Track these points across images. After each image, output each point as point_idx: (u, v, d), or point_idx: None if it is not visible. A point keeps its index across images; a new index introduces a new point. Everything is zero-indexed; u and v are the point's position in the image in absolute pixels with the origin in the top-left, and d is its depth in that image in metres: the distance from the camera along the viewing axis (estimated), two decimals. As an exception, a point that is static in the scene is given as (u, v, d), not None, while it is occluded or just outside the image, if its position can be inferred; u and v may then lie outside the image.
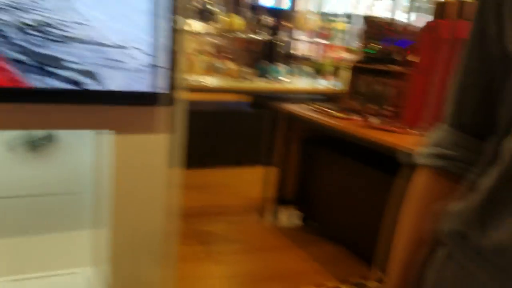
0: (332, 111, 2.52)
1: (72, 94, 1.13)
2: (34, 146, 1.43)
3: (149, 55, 1.17)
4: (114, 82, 1.15)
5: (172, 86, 1.22)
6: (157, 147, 1.33)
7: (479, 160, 0.56)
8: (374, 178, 2.31)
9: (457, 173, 0.59)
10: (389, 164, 1.88)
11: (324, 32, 4.75)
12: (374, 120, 2.26)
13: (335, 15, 5.23)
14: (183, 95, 1.32)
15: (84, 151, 1.48)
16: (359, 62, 2.74)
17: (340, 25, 5.49)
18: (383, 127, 2.18)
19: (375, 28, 2.68)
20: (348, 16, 5.07)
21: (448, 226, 0.55)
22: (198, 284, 2.14)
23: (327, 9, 5.12)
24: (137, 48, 1.15)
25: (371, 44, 2.65)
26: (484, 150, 0.55)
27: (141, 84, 1.17)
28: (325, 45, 4.74)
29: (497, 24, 0.53)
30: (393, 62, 2.47)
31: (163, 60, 1.18)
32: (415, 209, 0.64)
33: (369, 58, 2.63)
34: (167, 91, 1.21)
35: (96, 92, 1.13)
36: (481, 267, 0.49)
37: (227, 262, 2.37)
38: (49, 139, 1.45)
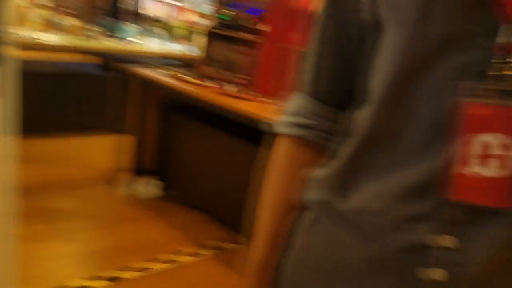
0: (188, 77, 2.48)
1: None
2: None
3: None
4: None
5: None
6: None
7: (338, 129, 0.58)
8: (236, 146, 2.37)
9: (316, 142, 0.60)
10: (250, 132, 1.95)
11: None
12: (230, 88, 2.30)
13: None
14: (13, 53, 1.13)
15: None
16: (213, 28, 2.72)
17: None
18: (238, 95, 2.23)
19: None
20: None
21: (312, 192, 0.58)
22: (47, 266, 1.95)
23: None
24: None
25: (224, 10, 2.65)
26: (343, 119, 0.58)
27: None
28: (178, 7, 4.58)
29: None
30: (245, 29, 2.51)
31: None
32: (278, 178, 0.64)
33: (222, 24, 2.64)
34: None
35: None
36: (345, 230, 0.52)
37: (78, 240, 2.20)
38: None
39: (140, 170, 2.85)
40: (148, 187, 2.75)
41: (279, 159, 0.64)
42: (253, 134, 1.74)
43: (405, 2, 0.45)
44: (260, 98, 2.23)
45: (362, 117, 0.52)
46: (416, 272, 0.47)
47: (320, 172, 0.57)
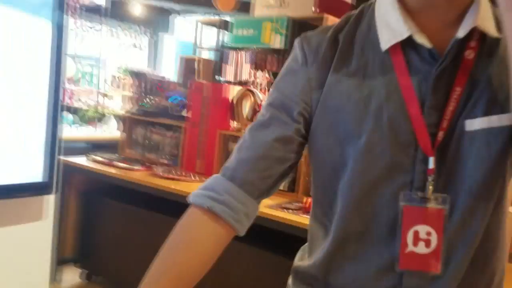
0: (116, 162, 2.60)
1: None
2: None
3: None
4: None
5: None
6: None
7: (246, 212, 0.68)
8: (158, 223, 2.49)
9: (221, 216, 0.67)
10: (173, 208, 2.12)
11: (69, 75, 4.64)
12: (158, 169, 2.48)
13: (80, 57, 5.20)
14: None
15: None
16: (134, 113, 2.92)
17: (88, 68, 5.51)
18: (167, 175, 2.42)
19: (148, 84, 2.93)
20: (96, 59, 5.13)
21: (300, 277, 0.75)
22: None
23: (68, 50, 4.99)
24: None
25: (146, 98, 2.88)
26: (253, 205, 0.69)
27: None
28: (77, 90, 4.65)
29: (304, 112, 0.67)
30: (168, 116, 2.76)
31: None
32: (178, 243, 0.67)
33: (144, 111, 2.85)
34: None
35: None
36: None
37: None
38: None
39: (61, 259, 2.77)
40: (71, 276, 2.68)
41: (184, 224, 0.68)
42: (182, 212, 1.93)
43: (360, 144, 0.63)
44: (185, 177, 2.44)
45: (334, 225, 0.67)
46: None
47: (305, 263, 0.73)
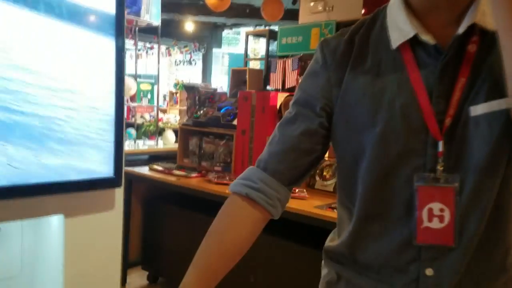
0: (174, 170, 2.79)
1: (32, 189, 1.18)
2: None
3: None
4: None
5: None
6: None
7: (279, 198, 0.78)
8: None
9: (257, 201, 0.77)
10: None
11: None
12: (212, 176, 2.63)
13: (139, 76, 5.55)
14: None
15: (22, 237, 1.44)
16: (188, 125, 3.11)
17: (145, 86, 5.85)
18: (220, 181, 2.56)
19: (201, 96, 3.12)
20: (154, 77, 5.45)
21: (330, 255, 0.84)
22: None
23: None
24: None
25: (199, 111, 3.06)
26: (286, 191, 0.79)
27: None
28: (138, 107, 4.96)
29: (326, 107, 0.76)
30: (219, 125, 2.92)
31: None
32: (220, 224, 0.78)
33: (198, 122, 3.03)
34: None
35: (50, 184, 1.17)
36: (363, 280, 0.77)
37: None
38: None
39: (128, 262, 3.00)
40: (138, 279, 2.88)
41: (225, 210, 0.79)
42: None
43: (376, 132, 0.71)
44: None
45: (356, 205, 0.75)
46: None
47: (334, 243, 0.82)
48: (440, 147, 0.69)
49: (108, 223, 1.45)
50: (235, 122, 2.86)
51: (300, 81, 0.84)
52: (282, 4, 7.17)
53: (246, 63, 7.48)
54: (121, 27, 1.36)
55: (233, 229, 0.78)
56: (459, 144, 0.69)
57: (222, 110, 2.98)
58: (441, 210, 0.70)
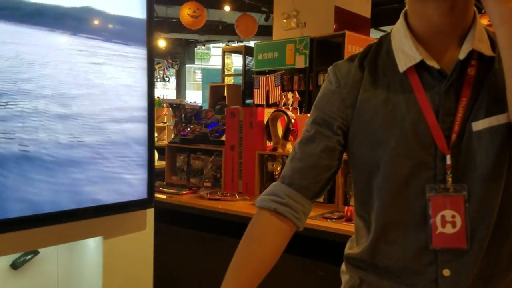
0: (163, 188, 2.81)
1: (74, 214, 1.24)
2: (17, 265, 1.35)
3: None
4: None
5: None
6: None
7: (303, 211, 0.86)
8: (207, 241, 2.67)
9: (284, 215, 0.84)
10: (221, 227, 2.28)
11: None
12: (203, 192, 2.68)
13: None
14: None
15: (63, 259, 1.48)
16: (176, 143, 3.15)
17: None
18: (213, 196, 2.61)
19: (187, 114, 3.17)
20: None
21: (352, 262, 0.91)
22: None
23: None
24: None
25: (185, 128, 3.11)
26: (308, 204, 0.87)
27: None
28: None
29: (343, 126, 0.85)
30: (207, 141, 2.98)
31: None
32: (252, 239, 0.84)
33: (185, 139, 3.08)
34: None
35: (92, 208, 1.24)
36: (386, 283, 0.85)
37: None
38: (32, 253, 1.41)
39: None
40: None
41: (255, 224, 0.86)
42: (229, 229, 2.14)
43: (389, 148, 0.80)
44: (231, 197, 2.62)
45: (372, 215, 0.84)
46: None
47: (354, 251, 0.90)
48: (448, 160, 0.78)
49: (141, 241, 1.50)
50: (223, 138, 2.92)
51: (315, 102, 0.92)
52: (255, 21, 7.34)
53: (223, 79, 7.59)
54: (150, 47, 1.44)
55: (264, 242, 0.85)
56: (465, 157, 0.78)
57: (209, 127, 3.04)
58: (453, 216, 0.79)
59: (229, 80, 7.97)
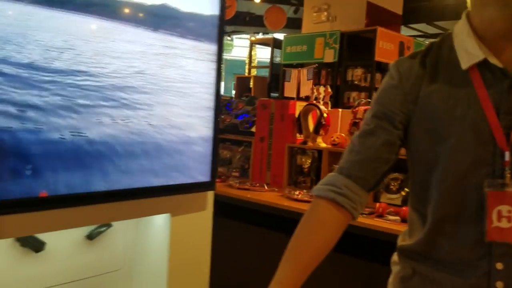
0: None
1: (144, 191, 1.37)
2: (92, 236, 1.50)
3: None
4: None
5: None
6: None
7: (360, 201, 0.88)
8: (236, 229, 2.70)
9: (343, 206, 0.86)
10: (249, 215, 2.30)
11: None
12: (233, 181, 2.71)
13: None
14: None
15: (131, 233, 1.63)
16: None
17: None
18: (242, 186, 2.64)
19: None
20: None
21: (405, 253, 0.93)
22: None
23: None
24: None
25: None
26: (365, 196, 0.89)
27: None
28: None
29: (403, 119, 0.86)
30: (237, 132, 3.00)
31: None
32: (310, 226, 0.87)
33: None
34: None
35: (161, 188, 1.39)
36: (440, 275, 0.86)
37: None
38: (106, 226, 1.54)
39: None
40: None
41: (313, 212, 0.88)
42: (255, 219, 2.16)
43: (449, 144, 0.82)
44: (259, 187, 2.65)
45: (428, 209, 0.86)
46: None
47: (408, 243, 0.91)
48: (507, 156, 0.80)
49: (202, 220, 1.65)
50: (253, 129, 2.94)
51: (375, 95, 0.94)
52: (285, 13, 7.30)
53: (249, 71, 7.61)
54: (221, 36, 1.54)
55: (321, 229, 0.87)
56: None
57: (239, 118, 3.07)
58: (509, 211, 0.80)
59: (252, 72, 7.99)
